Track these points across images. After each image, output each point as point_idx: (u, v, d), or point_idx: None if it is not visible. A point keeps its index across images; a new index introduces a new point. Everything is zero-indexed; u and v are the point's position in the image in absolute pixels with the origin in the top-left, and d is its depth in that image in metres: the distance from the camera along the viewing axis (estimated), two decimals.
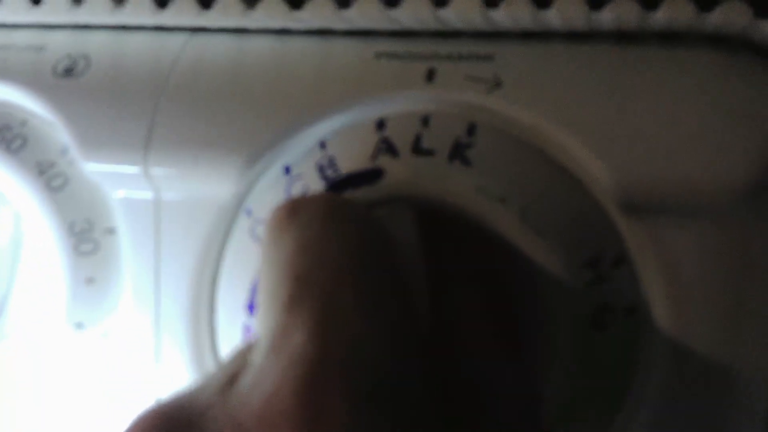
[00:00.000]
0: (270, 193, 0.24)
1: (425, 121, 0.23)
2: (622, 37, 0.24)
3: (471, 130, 0.23)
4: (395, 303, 0.18)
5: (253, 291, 0.23)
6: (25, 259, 0.26)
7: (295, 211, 0.19)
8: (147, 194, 0.25)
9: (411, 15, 0.23)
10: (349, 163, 0.23)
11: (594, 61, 0.23)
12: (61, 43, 0.27)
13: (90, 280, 0.25)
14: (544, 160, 0.23)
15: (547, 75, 0.23)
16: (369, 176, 0.22)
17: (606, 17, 0.23)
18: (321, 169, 0.23)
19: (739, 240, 0.22)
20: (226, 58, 0.25)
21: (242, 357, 0.18)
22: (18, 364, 0.27)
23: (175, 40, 0.26)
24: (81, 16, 0.26)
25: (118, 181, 0.25)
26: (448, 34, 0.25)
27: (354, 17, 0.24)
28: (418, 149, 0.22)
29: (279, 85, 0.24)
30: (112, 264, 0.25)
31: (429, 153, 0.22)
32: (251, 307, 0.23)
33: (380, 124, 0.23)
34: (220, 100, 0.24)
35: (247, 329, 0.23)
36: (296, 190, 0.23)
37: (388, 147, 0.23)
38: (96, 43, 0.26)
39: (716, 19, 0.22)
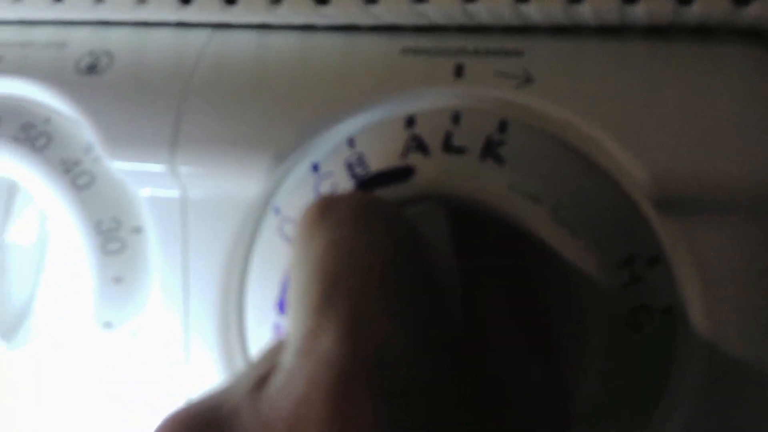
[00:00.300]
0: (298, 191, 0.24)
1: (456, 118, 0.23)
2: (654, 31, 0.23)
3: (503, 127, 0.22)
4: (425, 301, 0.18)
5: (283, 289, 0.23)
6: (51, 258, 0.26)
7: (325, 210, 0.19)
8: (174, 192, 0.24)
9: (440, 10, 0.23)
10: (378, 160, 0.23)
11: (626, 57, 0.23)
12: (83, 40, 0.26)
13: (118, 279, 0.25)
14: (577, 157, 0.22)
15: (578, 70, 0.23)
16: (399, 174, 0.22)
17: (639, 11, 0.22)
18: (350, 167, 0.23)
19: None
20: (250, 54, 0.25)
21: (272, 357, 0.18)
22: (47, 364, 0.27)
23: (198, 37, 0.26)
24: (103, 12, 0.26)
25: (145, 180, 0.25)
26: (476, 29, 0.24)
27: (381, 12, 0.23)
28: (449, 147, 0.22)
29: (304, 82, 0.24)
30: (139, 263, 0.25)
31: (460, 151, 0.22)
32: (281, 305, 0.23)
33: (410, 121, 0.23)
34: (245, 97, 0.24)
35: (277, 328, 0.23)
36: (325, 189, 0.23)
37: (418, 144, 0.22)
38: (118, 39, 0.26)
39: (753, 13, 0.22)
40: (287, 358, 0.16)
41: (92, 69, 0.25)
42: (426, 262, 0.19)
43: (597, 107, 0.22)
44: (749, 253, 0.21)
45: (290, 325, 0.17)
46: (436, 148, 0.22)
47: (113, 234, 0.25)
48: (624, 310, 0.21)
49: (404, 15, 0.24)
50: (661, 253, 0.22)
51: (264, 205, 0.24)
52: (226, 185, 0.24)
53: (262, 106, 0.24)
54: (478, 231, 0.22)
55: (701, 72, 0.22)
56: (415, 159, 0.22)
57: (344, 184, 0.23)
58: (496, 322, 0.20)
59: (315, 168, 0.24)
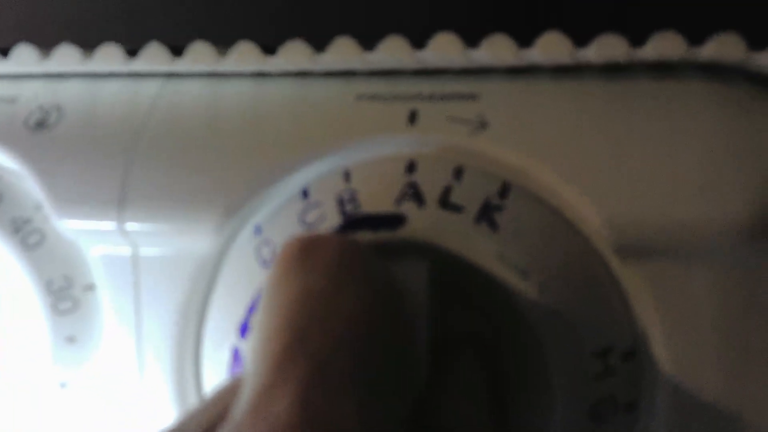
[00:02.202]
0: (283, 215, 0.23)
1: (458, 172, 0.22)
2: (610, 69, 0.23)
3: (504, 191, 0.21)
4: (390, 375, 0.17)
5: (248, 312, 0.22)
6: (5, 318, 0.25)
7: (307, 251, 0.18)
8: (125, 250, 0.24)
9: (389, 57, 0.23)
10: (371, 201, 0.22)
11: (582, 97, 0.22)
12: (33, 94, 0.26)
13: (71, 339, 0.25)
14: (570, 234, 0.21)
15: (533, 114, 0.22)
16: (390, 221, 0.21)
17: (592, 54, 0.22)
18: (341, 202, 0.22)
19: (742, 284, 0.21)
20: (202, 103, 0.24)
21: (224, 398, 0.17)
22: (4, 420, 0.26)
23: (150, 86, 0.25)
24: (52, 66, 0.25)
25: (95, 238, 0.24)
26: (432, 72, 0.24)
27: (330, 61, 0.23)
28: (445, 203, 0.21)
29: (257, 132, 0.24)
30: (93, 321, 0.25)
31: (457, 209, 0.21)
32: (244, 329, 0.22)
33: (411, 167, 0.22)
34: (196, 149, 0.24)
35: (234, 352, 0.22)
36: (311, 218, 0.22)
37: (415, 193, 0.21)
38: (69, 92, 0.26)
39: (709, 52, 0.21)
40: (238, 411, 0.16)
41: (41, 125, 0.25)
42: (399, 326, 0.18)
43: (552, 152, 0.22)
44: (714, 299, 0.21)
45: (248, 366, 0.17)
46: (432, 200, 0.21)
47: (65, 293, 0.24)
48: (590, 400, 0.21)
49: (354, 62, 0.23)
50: (636, 348, 0.21)
51: (217, 260, 0.24)
52: (176, 242, 0.23)
53: (213, 159, 0.23)
54: (457, 292, 0.21)
55: (660, 110, 0.22)
56: (409, 208, 0.21)
57: (332, 218, 0.22)
58: (457, 388, 0.19)
59: (305, 194, 0.23)
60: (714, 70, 0.22)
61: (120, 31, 0.26)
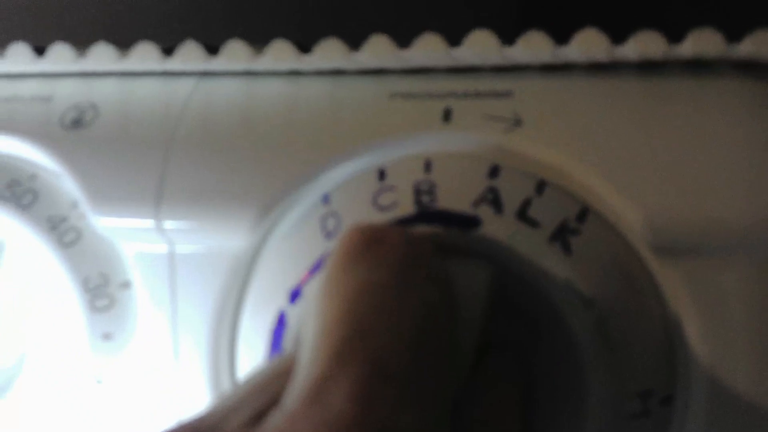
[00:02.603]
0: (355, 191, 0.23)
1: (540, 187, 0.21)
2: (646, 66, 0.23)
3: (582, 215, 0.21)
4: (447, 385, 0.17)
5: (308, 275, 0.21)
6: (38, 315, 0.26)
7: (370, 242, 0.18)
8: (161, 247, 0.24)
9: (424, 55, 0.23)
10: (449, 197, 0.21)
11: (618, 94, 0.22)
12: (68, 93, 0.26)
13: (107, 336, 0.25)
14: (638, 271, 0.21)
15: (568, 111, 0.22)
16: (464, 222, 0.21)
17: (629, 51, 0.22)
18: (417, 191, 0.22)
19: None
20: (236, 102, 0.25)
21: (271, 387, 0.17)
22: (40, 418, 0.26)
23: (184, 85, 0.25)
24: (87, 64, 0.25)
25: (131, 235, 0.24)
26: (465, 70, 0.24)
27: (365, 59, 0.23)
28: (523, 215, 0.21)
29: (291, 130, 0.24)
30: (128, 318, 0.25)
31: (533, 224, 0.21)
32: (295, 295, 0.21)
33: (494, 171, 0.22)
34: (231, 147, 0.24)
35: (281, 317, 0.22)
36: (384, 201, 0.22)
37: (494, 199, 0.21)
38: (104, 90, 0.26)
39: (746, 49, 0.21)
40: (291, 399, 0.16)
41: (77, 123, 0.25)
42: (455, 330, 0.18)
43: (588, 150, 0.21)
44: (749, 296, 0.21)
45: (304, 354, 0.17)
46: (510, 210, 0.21)
47: (101, 290, 0.25)
48: None
49: (389, 61, 0.23)
50: (674, 395, 0.21)
51: (253, 257, 0.24)
52: (213, 239, 0.23)
53: (248, 157, 0.23)
54: (505, 299, 0.21)
55: (696, 108, 0.22)
56: (486, 213, 0.21)
57: (405, 205, 0.21)
58: (494, 390, 0.19)
59: (381, 175, 0.22)
60: (750, 68, 0.22)
61: (155, 29, 0.26)
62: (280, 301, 0.22)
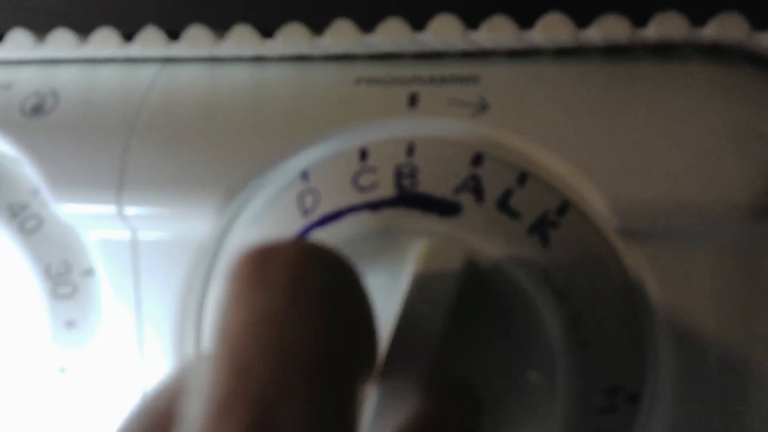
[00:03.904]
0: (335, 169, 0.22)
1: (522, 178, 0.21)
2: (612, 51, 0.23)
3: (562, 209, 0.21)
4: (353, 410, 0.15)
5: None
6: (4, 304, 0.25)
7: (262, 266, 0.16)
8: (124, 234, 0.24)
9: (388, 40, 0.22)
10: (430, 181, 0.21)
11: (584, 79, 0.22)
12: (28, 80, 0.25)
13: (70, 323, 0.24)
14: (614, 268, 0.21)
15: (535, 96, 0.22)
16: (445, 207, 0.21)
17: (594, 35, 0.21)
18: (399, 174, 0.21)
19: (746, 266, 0.21)
20: (200, 88, 0.24)
21: (161, 412, 0.16)
22: (2, 408, 0.26)
23: (146, 71, 0.25)
24: (47, 51, 0.25)
25: (93, 222, 0.24)
26: (431, 55, 0.23)
27: (329, 44, 0.23)
28: (504, 205, 0.21)
29: (254, 116, 0.23)
30: (92, 306, 0.25)
31: (514, 215, 0.21)
32: None
33: (477, 159, 0.21)
34: (195, 133, 0.23)
35: None
36: (365, 182, 0.21)
37: (476, 187, 0.21)
38: (64, 77, 0.25)
39: (711, 33, 0.21)
40: None
41: (38, 110, 0.25)
42: (367, 344, 0.16)
43: (554, 134, 0.21)
44: (714, 279, 0.21)
45: (190, 404, 0.15)
46: (491, 200, 0.21)
47: (64, 278, 0.24)
48: (587, 430, 0.21)
49: (353, 46, 0.23)
50: (642, 393, 0.21)
51: (217, 244, 0.24)
52: (176, 225, 0.23)
53: (211, 143, 0.23)
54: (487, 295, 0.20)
55: (662, 92, 0.22)
56: (466, 200, 0.21)
57: (385, 187, 0.21)
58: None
59: (362, 155, 0.22)
60: (715, 53, 0.22)
61: (116, 15, 0.26)
62: None
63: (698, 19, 0.21)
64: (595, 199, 0.21)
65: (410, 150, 0.22)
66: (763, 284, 0.21)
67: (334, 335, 0.15)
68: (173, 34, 0.24)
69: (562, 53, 0.23)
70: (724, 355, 0.21)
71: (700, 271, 0.21)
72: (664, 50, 0.22)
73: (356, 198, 0.21)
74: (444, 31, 0.22)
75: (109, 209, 0.23)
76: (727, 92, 0.21)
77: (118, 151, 0.23)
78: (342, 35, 0.22)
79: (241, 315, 0.15)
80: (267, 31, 0.23)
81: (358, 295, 0.17)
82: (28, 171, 0.24)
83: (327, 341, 0.15)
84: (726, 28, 0.21)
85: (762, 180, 0.20)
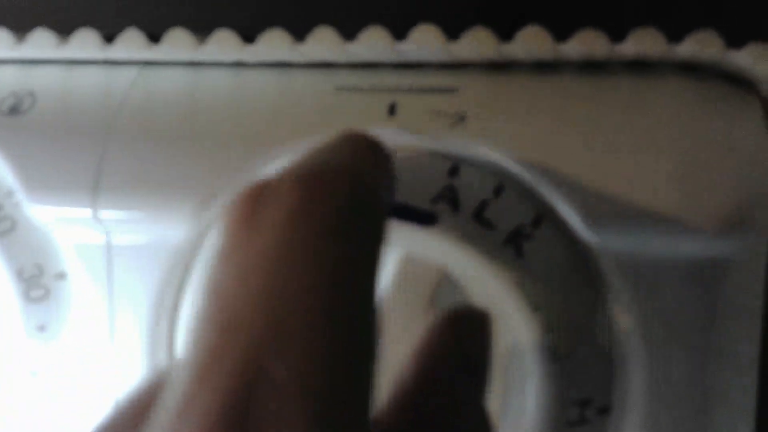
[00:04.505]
0: None
1: (498, 190, 0.21)
2: (589, 65, 0.23)
3: (537, 221, 0.21)
4: (357, 377, 0.13)
5: None
6: None
7: (257, 203, 0.14)
8: (98, 238, 0.23)
9: (369, 49, 0.22)
10: (408, 191, 0.21)
11: (561, 92, 0.22)
12: (6, 80, 0.25)
13: (42, 327, 0.24)
14: (588, 283, 0.21)
15: (512, 108, 0.22)
16: (421, 217, 0.21)
17: (572, 49, 0.22)
18: None
19: (716, 281, 0.21)
20: (180, 92, 0.24)
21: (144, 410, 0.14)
22: None
23: (126, 74, 0.25)
24: (26, 51, 0.25)
25: (67, 225, 0.24)
26: (411, 66, 0.24)
27: (310, 51, 0.23)
28: (479, 217, 0.21)
29: (235, 121, 0.23)
30: (64, 310, 0.24)
31: (489, 226, 0.21)
32: None
33: (454, 170, 0.22)
34: (172, 137, 0.23)
35: None
36: None
37: (452, 198, 0.21)
38: (43, 78, 0.25)
39: (687, 50, 0.21)
40: (160, 415, 0.12)
41: (14, 110, 0.24)
42: (371, 296, 0.14)
43: (530, 146, 0.21)
44: (686, 294, 0.21)
45: (176, 369, 0.13)
46: (467, 210, 0.21)
47: (36, 281, 0.24)
48: None
49: (334, 53, 0.23)
50: (611, 405, 0.21)
51: (193, 250, 0.23)
52: (151, 230, 0.23)
53: (189, 148, 0.23)
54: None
55: (637, 106, 0.22)
56: (443, 210, 0.21)
57: None
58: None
59: None
60: (691, 69, 0.22)
61: (96, 16, 0.25)
62: None
63: (674, 35, 0.22)
64: (569, 212, 0.21)
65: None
66: (730, 300, 0.21)
67: (334, 281, 0.13)
68: (154, 37, 0.24)
69: (540, 66, 0.23)
70: (693, 369, 0.21)
71: (671, 286, 0.21)
72: (640, 66, 0.23)
73: None
74: (425, 41, 0.22)
75: (84, 212, 0.23)
76: (701, 108, 0.22)
77: (95, 153, 0.23)
78: (323, 42, 0.22)
79: (230, 266, 0.13)
80: (249, 36, 0.23)
81: (366, 234, 0.14)
82: (2, 172, 0.24)
83: (327, 290, 0.13)
84: (702, 44, 0.21)
85: (734, 194, 0.21)
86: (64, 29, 0.24)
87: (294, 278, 0.13)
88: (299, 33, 0.23)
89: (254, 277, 0.13)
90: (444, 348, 0.17)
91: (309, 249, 0.13)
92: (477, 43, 0.22)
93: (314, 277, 0.13)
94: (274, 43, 0.23)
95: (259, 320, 0.12)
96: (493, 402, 0.21)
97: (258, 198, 0.14)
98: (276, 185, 0.14)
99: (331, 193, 0.14)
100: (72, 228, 0.24)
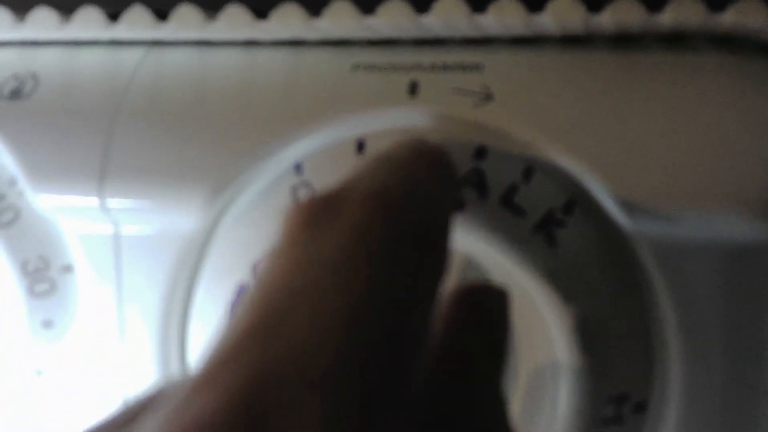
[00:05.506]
0: (331, 161, 0.21)
1: (527, 173, 0.20)
2: (621, 40, 0.22)
3: (568, 207, 0.20)
4: (398, 383, 0.13)
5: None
6: None
7: (323, 210, 0.14)
8: (106, 228, 0.22)
9: (390, 23, 0.21)
10: None
11: (592, 69, 0.21)
12: (6, 62, 0.24)
13: (47, 323, 0.23)
14: (623, 273, 0.20)
15: (541, 85, 0.21)
16: None
17: (606, 20, 0.20)
18: None
19: (757, 268, 0.20)
20: (189, 73, 0.23)
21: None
22: None
23: (132, 55, 0.24)
24: (27, 31, 0.24)
25: (73, 215, 0.23)
26: (432, 42, 0.22)
27: (327, 27, 0.22)
28: (508, 202, 0.20)
29: (246, 104, 0.22)
30: (71, 305, 0.23)
31: (519, 212, 0.20)
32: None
33: (480, 152, 0.20)
34: (182, 121, 0.22)
35: (240, 290, 0.21)
36: None
37: (479, 182, 0.20)
38: (45, 60, 0.24)
39: (729, 19, 0.20)
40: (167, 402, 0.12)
41: (16, 94, 0.23)
42: (424, 312, 0.14)
43: (561, 126, 0.20)
44: (729, 284, 0.20)
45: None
46: (496, 195, 0.20)
47: (41, 274, 0.23)
48: None
49: (352, 29, 0.22)
50: (648, 402, 0.20)
51: (205, 240, 0.22)
52: (161, 219, 0.22)
53: (200, 131, 0.22)
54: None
55: (672, 83, 0.21)
56: (469, 195, 0.20)
57: None
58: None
59: (360, 146, 0.21)
60: (727, 43, 0.21)
61: None
62: (242, 274, 0.21)
63: (714, 4, 0.20)
64: (604, 196, 0.20)
65: None
66: None
67: (385, 296, 0.13)
68: (161, 15, 0.23)
69: (568, 41, 0.22)
70: (733, 364, 0.20)
71: (710, 274, 0.20)
72: (675, 40, 0.21)
73: None
74: (449, 14, 0.21)
75: (91, 201, 0.22)
76: (740, 84, 0.21)
77: (100, 139, 0.22)
78: (341, 18, 0.21)
79: (281, 262, 0.13)
80: (261, 12, 0.22)
81: (424, 268, 0.14)
82: (5, 159, 0.23)
83: (374, 299, 0.13)
84: (744, 14, 0.20)
85: None
86: (66, 8, 0.23)
87: (338, 288, 0.13)
88: (314, 8, 0.22)
89: (300, 277, 0.13)
90: (462, 328, 0.17)
91: (361, 265, 0.13)
92: (505, 15, 0.21)
93: (357, 293, 0.13)
94: (288, 19, 0.22)
95: (295, 316, 0.12)
96: (524, 399, 0.20)
97: (324, 206, 0.14)
98: (344, 196, 0.14)
99: (397, 218, 0.14)
100: (78, 218, 0.23)
